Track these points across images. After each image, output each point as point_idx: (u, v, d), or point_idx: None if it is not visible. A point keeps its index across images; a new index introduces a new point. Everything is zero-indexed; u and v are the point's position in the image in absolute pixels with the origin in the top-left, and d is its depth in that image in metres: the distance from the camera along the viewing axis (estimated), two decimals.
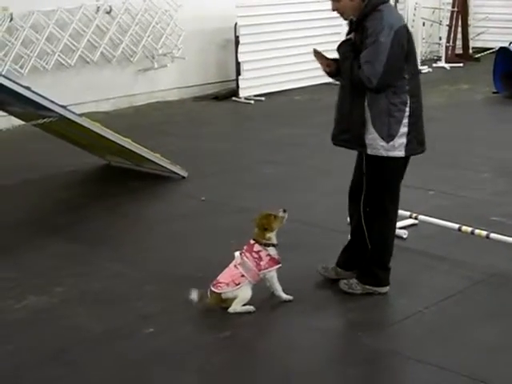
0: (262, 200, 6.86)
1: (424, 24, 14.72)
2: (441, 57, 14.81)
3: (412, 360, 4.33)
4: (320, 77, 12.66)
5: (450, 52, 15.07)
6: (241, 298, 4.87)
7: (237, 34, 11.52)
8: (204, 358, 4.41)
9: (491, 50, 14.12)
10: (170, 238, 6.20)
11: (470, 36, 15.63)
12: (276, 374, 4.25)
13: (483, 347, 4.47)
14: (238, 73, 11.63)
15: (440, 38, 14.98)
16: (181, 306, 4.93)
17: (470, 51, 15.51)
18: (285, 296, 4.98)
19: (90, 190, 7.55)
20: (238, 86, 11.65)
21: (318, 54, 5.03)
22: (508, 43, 11.91)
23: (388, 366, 4.31)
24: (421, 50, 14.43)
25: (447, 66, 14.59)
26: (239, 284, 4.86)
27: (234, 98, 11.66)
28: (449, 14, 15.22)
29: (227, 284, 4.86)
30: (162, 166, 7.57)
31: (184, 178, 7.63)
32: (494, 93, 11.74)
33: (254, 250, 4.92)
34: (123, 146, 7.29)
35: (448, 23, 15.15)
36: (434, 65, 14.58)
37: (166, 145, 8.61)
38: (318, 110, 11.00)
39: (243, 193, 7.27)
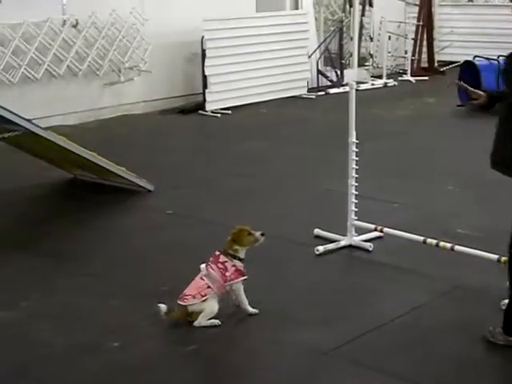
0: (228, 213, 6.87)
1: (390, 38, 14.83)
2: (406, 70, 14.92)
3: (376, 372, 4.34)
4: (286, 90, 12.82)
5: (415, 65, 15.21)
6: (207, 311, 4.86)
7: (203, 48, 11.53)
8: (169, 372, 4.39)
9: (456, 64, 14.26)
10: (136, 252, 6.17)
11: (435, 50, 15.78)
12: None
13: (447, 360, 4.49)
14: (205, 86, 11.63)
15: (406, 52, 15.11)
16: (146, 320, 4.91)
17: (436, 65, 15.66)
18: (251, 309, 4.98)
19: (55, 203, 7.50)
20: (204, 100, 11.65)
21: (462, 87, 4.84)
22: (472, 57, 12.05)
23: (352, 379, 4.31)
24: (386, 63, 14.55)
25: (413, 79, 14.72)
26: (205, 295, 4.85)
27: (200, 112, 11.65)
28: (414, 28, 15.36)
29: (193, 296, 4.86)
30: (128, 180, 7.54)
31: (150, 191, 7.61)
32: (458, 106, 11.83)
33: (220, 260, 4.93)
34: (89, 160, 7.26)
35: (413, 37, 15.30)
36: (400, 78, 14.69)
37: (132, 158, 8.59)
38: (285, 123, 11.05)
39: (210, 206, 7.27)
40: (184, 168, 8.62)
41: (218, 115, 11.54)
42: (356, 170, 6.10)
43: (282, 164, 8.76)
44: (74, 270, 5.79)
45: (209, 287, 4.88)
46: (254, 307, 4.98)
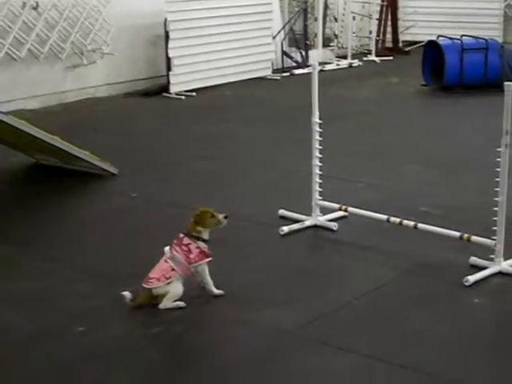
0: (193, 195, 6.87)
1: (354, 18, 14.86)
2: (371, 50, 14.98)
3: (342, 351, 4.38)
4: (251, 71, 12.80)
5: (379, 46, 15.27)
6: (171, 294, 4.87)
7: (166, 30, 11.48)
8: (135, 355, 4.40)
9: (420, 44, 14.33)
10: (101, 236, 6.16)
11: (400, 30, 15.85)
12: (207, 369, 4.27)
13: (413, 335, 4.54)
14: (169, 68, 11.59)
15: (370, 32, 15.15)
16: (111, 303, 4.91)
17: (400, 45, 15.73)
18: (216, 290, 4.99)
19: (18, 189, 7.45)
20: (168, 82, 11.62)
21: None
22: (436, 36, 12.10)
23: (318, 358, 4.35)
24: (351, 43, 14.58)
25: (377, 59, 14.76)
26: (170, 278, 4.87)
27: (164, 94, 11.61)
28: (378, 8, 15.41)
29: (158, 279, 4.87)
30: (92, 164, 7.51)
31: (114, 174, 7.59)
32: (422, 85, 11.92)
33: (183, 243, 4.94)
34: (51, 144, 7.21)
35: (378, 17, 15.35)
36: (365, 58, 14.74)
37: (96, 142, 8.55)
38: (249, 105, 11.06)
39: (174, 188, 7.26)
40: (148, 151, 8.59)
41: (183, 97, 11.51)
42: (320, 150, 6.12)
43: (247, 145, 8.76)
44: (38, 255, 5.77)
45: (173, 269, 4.89)
46: (219, 288, 5.00)
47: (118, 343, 4.50)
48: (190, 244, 4.93)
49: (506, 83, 5.04)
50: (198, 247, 4.93)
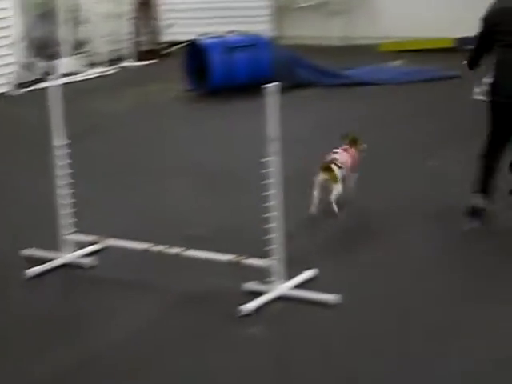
0: None
1: (107, 20, 14.75)
2: (127, 55, 14.90)
3: None
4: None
5: (137, 49, 15.20)
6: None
7: None
8: None
9: (183, 44, 14.40)
10: None
11: (159, 30, 15.86)
12: None
13: (175, 379, 4.54)
14: None
15: (126, 35, 15.06)
16: None
17: (160, 47, 15.73)
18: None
19: None
20: None
21: None
22: (197, 36, 12.16)
23: None
24: (104, 49, 14.47)
25: (135, 64, 14.71)
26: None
27: None
28: (134, 8, 15.33)
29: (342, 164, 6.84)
30: None
31: None
32: (188, 91, 11.93)
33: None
34: None
35: (133, 16, 15.27)
36: (121, 64, 14.63)
37: None
38: None
39: None
40: None
41: None
42: (68, 174, 5.90)
43: None
44: None
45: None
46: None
47: None
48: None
49: (264, 86, 5.07)
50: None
